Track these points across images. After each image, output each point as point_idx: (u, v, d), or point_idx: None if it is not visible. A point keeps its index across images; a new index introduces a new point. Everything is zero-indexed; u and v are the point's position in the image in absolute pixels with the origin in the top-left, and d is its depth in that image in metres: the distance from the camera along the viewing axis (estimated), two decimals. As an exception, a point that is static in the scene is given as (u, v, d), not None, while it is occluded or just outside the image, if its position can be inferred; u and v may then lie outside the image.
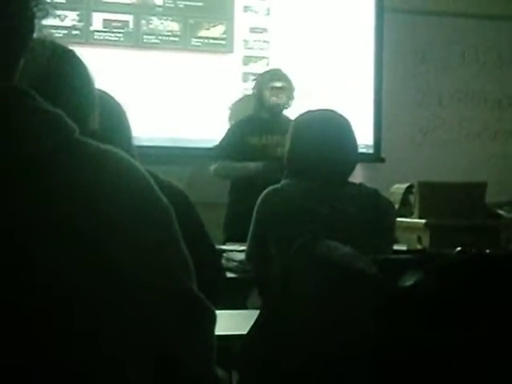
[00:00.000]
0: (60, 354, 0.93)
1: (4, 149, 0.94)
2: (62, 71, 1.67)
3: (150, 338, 1.01)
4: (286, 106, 5.14)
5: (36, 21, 1.05)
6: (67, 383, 0.94)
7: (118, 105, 2.20)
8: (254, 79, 5.36)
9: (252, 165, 4.94)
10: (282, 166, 3.20)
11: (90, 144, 1.03)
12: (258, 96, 5.17)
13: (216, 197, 5.12)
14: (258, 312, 1.79)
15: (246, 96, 5.58)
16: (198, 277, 1.10)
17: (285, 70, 5.27)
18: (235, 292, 4.40)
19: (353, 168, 2.99)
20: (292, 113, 3.15)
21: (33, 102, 1.00)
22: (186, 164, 5.54)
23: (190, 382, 1.08)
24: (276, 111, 5.12)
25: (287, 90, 5.15)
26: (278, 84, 5.13)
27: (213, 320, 1.13)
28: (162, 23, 5.65)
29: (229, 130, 5.24)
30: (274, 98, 5.10)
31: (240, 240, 3.72)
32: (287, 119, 5.17)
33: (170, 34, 5.66)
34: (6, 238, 0.92)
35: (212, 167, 5.07)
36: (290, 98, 5.17)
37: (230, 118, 5.60)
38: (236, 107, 5.63)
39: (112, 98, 2.17)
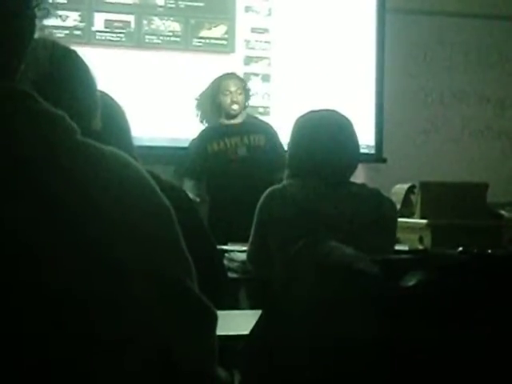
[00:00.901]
0: (60, 353, 0.93)
1: (5, 151, 0.94)
2: (64, 71, 1.67)
3: (151, 338, 1.01)
4: (242, 107, 5.22)
5: (37, 21, 1.04)
6: (65, 381, 0.94)
7: (118, 106, 2.20)
8: (210, 85, 5.34)
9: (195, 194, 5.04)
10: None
11: (92, 145, 1.03)
12: (214, 102, 5.23)
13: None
14: (258, 312, 1.79)
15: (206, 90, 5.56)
16: (199, 277, 1.10)
17: (284, 72, 5.34)
18: (237, 292, 4.41)
19: (355, 168, 2.99)
20: (293, 114, 3.15)
21: (34, 103, 1.00)
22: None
23: (192, 382, 1.08)
24: (233, 116, 5.20)
25: (242, 91, 5.22)
26: (233, 88, 5.17)
27: (214, 320, 1.12)
28: (163, 23, 5.65)
29: (191, 143, 5.31)
30: (229, 103, 5.16)
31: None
32: (249, 119, 5.25)
33: (171, 34, 5.66)
34: (7, 240, 0.92)
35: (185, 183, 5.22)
36: (247, 98, 5.26)
37: (197, 107, 5.57)
38: (202, 97, 5.63)
39: (112, 98, 2.17)
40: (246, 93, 5.25)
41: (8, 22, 1.00)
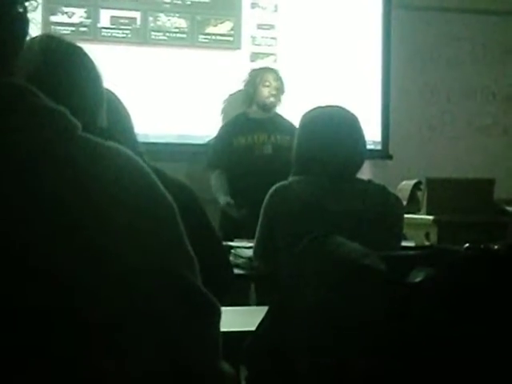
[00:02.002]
0: (66, 352, 0.93)
1: (3, 147, 0.94)
2: (70, 68, 1.67)
3: (154, 334, 1.01)
4: (276, 104, 5.27)
5: (29, 15, 1.04)
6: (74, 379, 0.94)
7: (120, 102, 2.19)
8: (248, 74, 5.40)
9: (221, 197, 5.09)
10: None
11: (93, 141, 1.03)
12: (251, 92, 5.25)
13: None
14: (266, 308, 1.79)
15: (240, 91, 5.58)
16: (205, 274, 1.10)
17: (290, 68, 5.35)
18: (243, 288, 4.41)
19: (361, 164, 2.99)
20: (300, 110, 3.15)
21: (34, 98, 0.99)
22: (193, 161, 5.55)
23: (196, 378, 1.08)
24: (267, 108, 5.24)
25: (279, 90, 5.28)
26: (273, 83, 5.24)
27: (217, 315, 1.12)
28: (169, 20, 5.65)
29: (217, 135, 5.33)
30: (266, 95, 5.21)
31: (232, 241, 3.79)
32: (276, 116, 5.25)
33: (177, 30, 5.66)
34: (6, 236, 0.92)
35: (206, 164, 5.24)
36: (280, 98, 5.31)
37: (222, 112, 5.62)
38: (229, 101, 5.65)
39: (115, 95, 2.17)
40: (283, 90, 5.30)
41: (1, 18, 0.99)
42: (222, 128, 5.32)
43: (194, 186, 2.34)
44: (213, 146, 5.26)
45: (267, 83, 5.22)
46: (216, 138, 5.29)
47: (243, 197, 4.93)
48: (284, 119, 5.33)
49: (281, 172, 5.06)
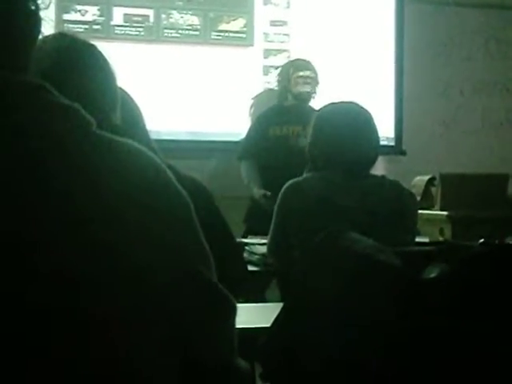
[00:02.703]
0: (81, 352, 0.93)
1: (15, 144, 0.94)
2: (84, 66, 1.67)
3: (171, 330, 1.01)
4: (312, 95, 5.19)
5: (41, 13, 1.04)
6: (85, 379, 0.94)
7: (132, 101, 2.19)
8: (280, 68, 5.38)
9: (254, 190, 5.01)
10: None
11: (108, 137, 1.03)
12: (285, 84, 5.21)
13: (239, 190, 5.12)
14: (280, 305, 1.79)
15: (268, 89, 5.58)
16: (220, 271, 1.10)
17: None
18: (257, 285, 4.41)
19: (374, 160, 2.99)
20: (313, 106, 3.15)
21: (48, 95, 1.00)
22: (206, 158, 5.55)
23: (212, 374, 1.09)
24: (303, 98, 5.16)
25: (313, 79, 5.21)
26: (306, 73, 5.18)
27: (233, 311, 1.13)
28: (182, 17, 5.65)
29: (251, 125, 5.29)
30: (300, 86, 5.15)
31: (258, 233, 3.75)
32: (311, 109, 5.19)
33: (190, 27, 5.66)
34: (17, 233, 0.92)
35: (238, 155, 5.17)
36: (316, 88, 5.22)
37: (251, 112, 5.62)
38: (257, 100, 5.64)
39: (127, 93, 2.17)
40: (317, 81, 5.24)
41: (14, 15, 1.00)
42: (257, 119, 5.26)
43: (209, 184, 2.34)
44: (246, 136, 5.18)
45: (301, 73, 5.16)
46: (250, 128, 5.24)
47: (275, 189, 4.90)
48: (314, 110, 5.29)
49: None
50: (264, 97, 5.61)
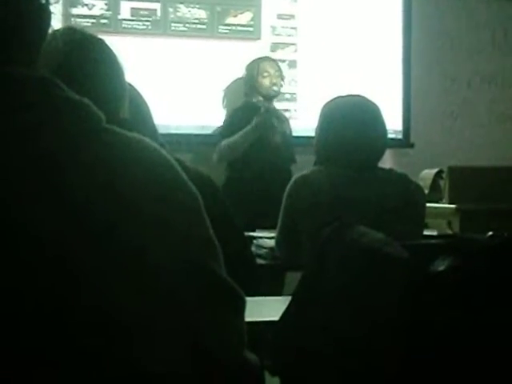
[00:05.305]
0: (91, 346, 0.94)
1: (26, 140, 0.94)
2: (93, 60, 1.68)
3: (180, 324, 1.01)
4: (279, 91, 5.26)
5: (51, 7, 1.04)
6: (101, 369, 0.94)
7: (140, 95, 2.20)
8: (246, 66, 5.36)
9: (248, 127, 4.97)
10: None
11: (118, 132, 1.03)
12: (252, 83, 5.23)
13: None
14: (288, 298, 1.79)
15: (236, 79, 5.56)
16: (228, 264, 1.11)
17: (310, 58, 5.33)
18: (266, 278, 4.41)
19: (382, 153, 2.99)
20: (321, 100, 3.15)
21: (57, 90, 1.00)
22: (213, 152, 5.55)
23: (221, 367, 1.09)
24: (272, 97, 5.21)
25: (278, 76, 5.26)
26: (272, 70, 5.23)
27: (242, 304, 1.13)
28: (189, 11, 5.65)
29: (228, 116, 5.31)
30: (268, 85, 5.19)
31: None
32: (275, 107, 5.24)
33: (197, 21, 5.66)
34: (33, 232, 0.92)
35: (215, 155, 5.12)
36: (282, 84, 5.28)
37: (224, 104, 5.61)
38: (228, 91, 5.63)
39: (134, 88, 2.17)
40: (282, 76, 5.29)
41: (23, 11, 1.00)
42: (233, 112, 5.27)
43: (215, 176, 2.34)
44: (222, 134, 5.15)
45: (266, 73, 5.20)
46: (228, 119, 5.26)
47: (253, 186, 4.93)
48: (277, 108, 5.32)
49: (288, 161, 5.09)
50: (234, 87, 5.59)
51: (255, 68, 5.24)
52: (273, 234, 3.21)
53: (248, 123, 4.99)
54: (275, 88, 5.22)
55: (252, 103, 5.21)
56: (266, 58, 5.35)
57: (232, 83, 5.62)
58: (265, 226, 3.73)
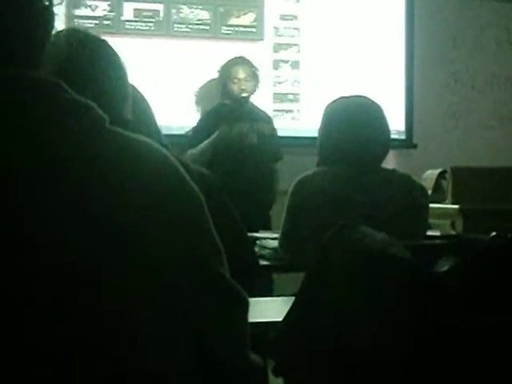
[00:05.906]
0: (94, 346, 0.94)
1: (30, 141, 0.94)
2: (96, 61, 1.68)
3: (184, 325, 1.01)
4: (251, 94, 5.17)
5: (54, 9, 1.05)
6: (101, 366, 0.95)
7: (143, 97, 2.20)
8: (218, 72, 5.28)
9: (206, 144, 4.92)
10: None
11: (121, 134, 1.03)
12: (223, 88, 5.18)
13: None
14: (292, 299, 1.79)
15: (209, 80, 5.53)
16: (231, 265, 1.11)
17: (313, 58, 5.28)
18: (269, 279, 4.41)
19: (385, 154, 2.98)
20: (323, 100, 3.15)
21: (61, 92, 1.00)
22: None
23: (224, 368, 1.09)
24: (242, 101, 5.13)
25: (251, 78, 5.16)
26: (242, 75, 5.12)
27: (245, 305, 1.13)
28: (192, 12, 5.66)
29: (201, 119, 5.23)
30: (237, 91, 5.11)
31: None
32: (253, 106, 5.17)
33: (200, 22, 5.67)
34: (35, 233, 0.92)
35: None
36: (256, 85, 5.19)
37: (196, 103, 5.59)
38: (200, 93, 5.62)
39: (137, 89, 2.17)
40: (256, 78, 5.19)
41: (27, 13, 1.00)
42: (205, 115, 5.21)
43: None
44: (196, 137, 5.06)
45: (235, 80, 5.10)
46: (199, 124, 5.16)
47: (230, 186, 4.88)
48: (256, 106, 5.25)
49: (265, 161, 5.06)
50: (206, 89, 5.57)
51: (226, 72, 5.17)
52: (276, 235, 3.21)
53: (216, 129, 4.95)
54: (244, 94, 5.11)
55: (224, 105, 5.15)
56: (239, 61, 5.22)
57: (204, 85, 5.60)
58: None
